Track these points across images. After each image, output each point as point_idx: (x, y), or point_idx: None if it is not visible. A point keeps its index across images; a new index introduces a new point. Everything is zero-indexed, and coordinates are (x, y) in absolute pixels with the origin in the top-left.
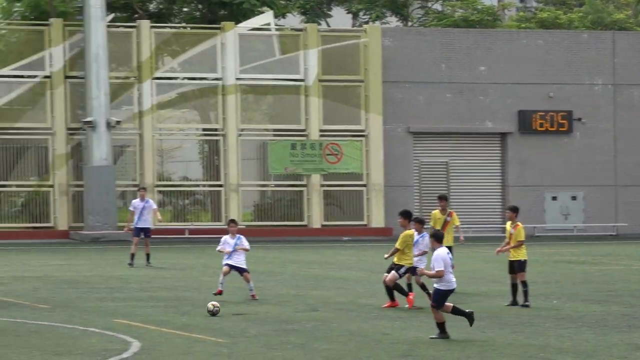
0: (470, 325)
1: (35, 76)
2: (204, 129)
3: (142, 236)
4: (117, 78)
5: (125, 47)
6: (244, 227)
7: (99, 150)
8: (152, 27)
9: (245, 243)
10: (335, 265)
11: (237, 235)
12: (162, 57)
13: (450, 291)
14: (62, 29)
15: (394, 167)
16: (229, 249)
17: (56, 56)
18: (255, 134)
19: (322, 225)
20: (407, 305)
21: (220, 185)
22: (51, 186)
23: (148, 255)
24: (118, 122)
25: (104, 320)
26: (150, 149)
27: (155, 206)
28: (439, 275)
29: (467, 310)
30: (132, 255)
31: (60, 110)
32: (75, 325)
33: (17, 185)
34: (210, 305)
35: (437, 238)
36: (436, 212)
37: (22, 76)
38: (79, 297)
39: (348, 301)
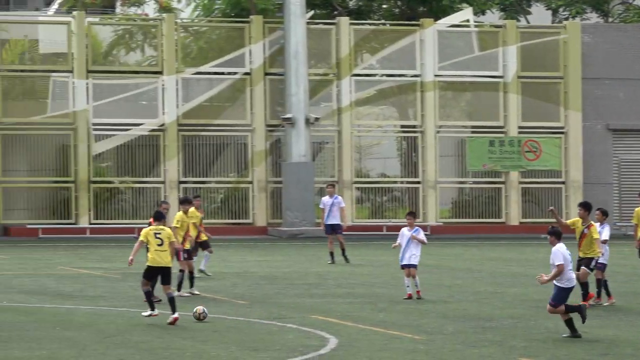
0: (583, 321)
1: (235, 73)
2: (402, 126)
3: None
4: (316, 75)
5: (324, 44)
6: (441, 223)
7: (298, 147)
8: (351, 24)
9: (422, 235)
10: (533, 262)
11: (415, 227)
12: (360, 53)
13: (571, 289)
14: (262, 26)
15: (593, 164)
16: (403, 240)
17: (256, 53)
18: (453, 130)
19: (520, 223)
20: (591, 302)
21: (418, 182)
22: (250, 182)
23: (343, 251)
24: (317, 119)
25: (301, 316)
26: (349, 146)
27: (343, 204)
28: (560, 270)
29: (578, 305)
30: (331, 254)
31: (259, 107)
32: (273, 321)
33: (217, 182)
34: (198, 310)
35: (557, 235)
36: (639, 209)
37: (222, 73)
38: (277, 293)
39: (546, 299)
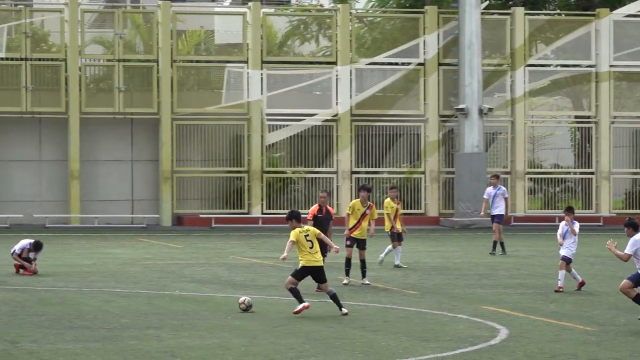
0: None
1: (409, 63)
2: (576, 116)
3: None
4: (489, 65)
5: (498, 35)
6: (614, 214)
7: (471, 137)
8: (526, 14)
9: (576, 226)
10: None
11: (573, 221)
12: (535, 44)
13: None
14: (437, 17)
15: None
16: (560, 236)
17: (430, 44)
18: (628, 121)
19: None
20: None
21: (592, 173)
22: (422, 173)
23: (495, 243)
24: (490, 110)
25: (472, 306)
26: (522, 136)
27: (507, 194)
28: (624, 258)
29: None
30: (502, 244)
31: (433, 98)
32: (443, 312)
33: (389, 172)
34: (243, 299)
35: (635, 227)
36: None
37: (396, 63)
38: (448, 284)
39: None
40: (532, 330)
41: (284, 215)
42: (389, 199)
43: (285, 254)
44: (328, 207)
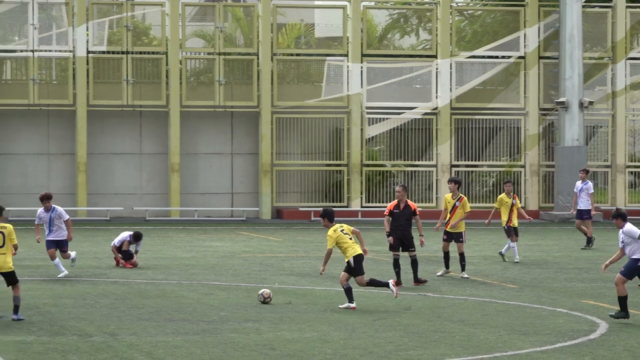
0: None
1: (509, 57)
2: None
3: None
4: (590, 58)
5: (599, 27)
6: None
7: (571, 131)
8: (627, 7)
9: None
10: None
11: None
12: (636, 37)
13: None
14: (538, 9)
15: None
16: None
17: (531, 37)
18: None
19: None
20: None
21: None
22: (522, 166)
23: (590, 239)
24: (591, 103)
25: (571, 300)
26: (623, 130)
27: (592, 190)
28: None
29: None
30: (588, 239)
31: (533, 91)
32: (543, 306)
33: (489, 166)
34: (263, 292)
35: (623, 217)
36: None
37: (496, 57)
38: (547, 278)
39: None
40: (632, 324)
41: (384, 209)
42: (504, 193)
43: (323, 267)
44: (409, 201)
